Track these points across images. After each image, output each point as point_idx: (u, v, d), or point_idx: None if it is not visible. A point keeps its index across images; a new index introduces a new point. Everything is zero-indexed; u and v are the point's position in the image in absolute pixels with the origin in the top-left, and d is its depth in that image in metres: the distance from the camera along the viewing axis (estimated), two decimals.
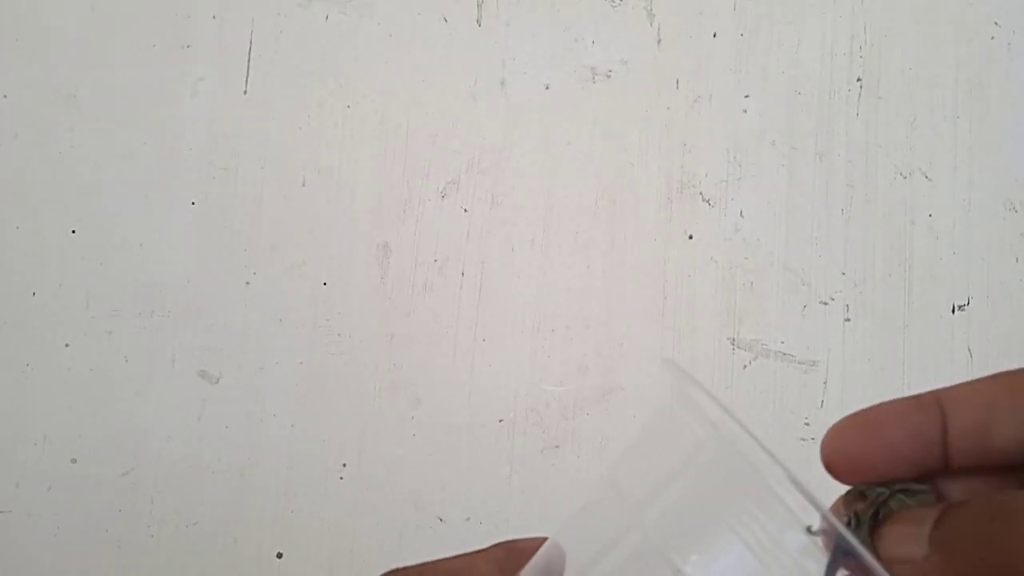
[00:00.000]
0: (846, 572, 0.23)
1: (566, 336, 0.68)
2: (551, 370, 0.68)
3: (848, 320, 0.69)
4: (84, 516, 0.65)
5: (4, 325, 0.66)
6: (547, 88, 0.71)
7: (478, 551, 0.29)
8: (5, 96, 0.68)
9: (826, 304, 0.69)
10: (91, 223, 0.67)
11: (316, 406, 0.67)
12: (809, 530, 0.23)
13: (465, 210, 0.69)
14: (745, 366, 0.68)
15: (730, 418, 0.24)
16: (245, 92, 0.69)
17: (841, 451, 0.24)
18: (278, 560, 0.65)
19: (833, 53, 0.71)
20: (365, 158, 0.69)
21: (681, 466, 0.25)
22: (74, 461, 0.65)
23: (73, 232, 0.67)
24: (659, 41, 0.71)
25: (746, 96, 0.71)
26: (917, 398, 0.23)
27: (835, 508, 0.24)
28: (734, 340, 0.68)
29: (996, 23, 0.72)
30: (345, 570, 0.65)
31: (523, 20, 0.71)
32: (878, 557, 0.23)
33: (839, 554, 0.22)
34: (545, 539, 0.28)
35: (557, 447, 0.67)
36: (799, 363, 0.68)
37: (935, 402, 0.23)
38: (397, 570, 0.28)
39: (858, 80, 0.71)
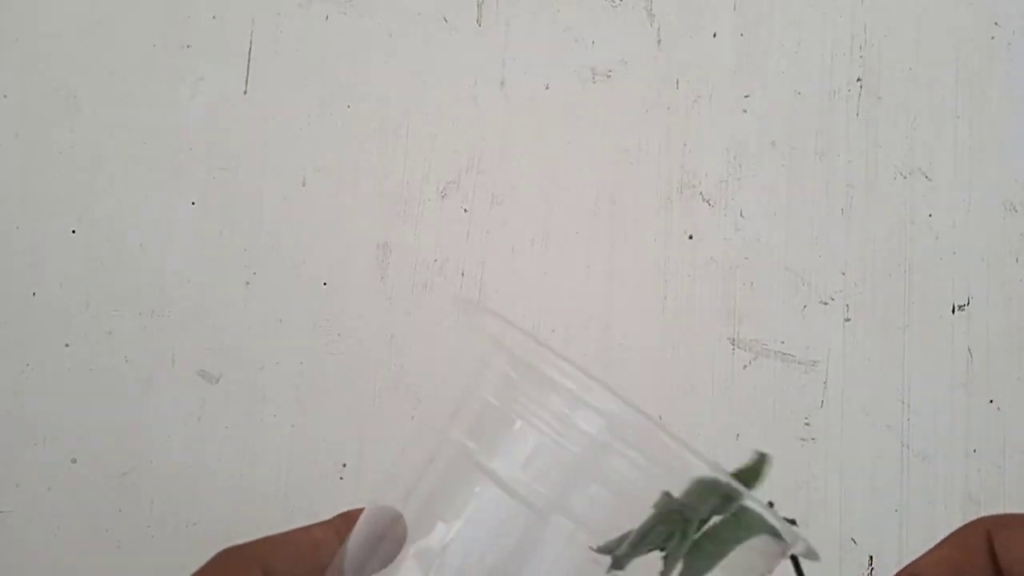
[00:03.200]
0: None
1: (566, 336, 0.68)
2: None
3: (848, 320, 0.69)
4: (84, 516, 0.65)
5: (4, 325, 0.66)
6: (547, 88, 0.71)
7: (316, 523, 0.31)
8: (5, 96, 0.68)
9: (826, 304, 0.69)
10: (91, 223, 0.67)
11: (316, 406, 0.67)
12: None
13: (465, 210, 0.69)
14: (745, 366, 0.68)
15: (517, 330, 0.28)
16: (245, 92, 0.69)
17: None
18: None
19: (833, 53, 0.71)
20: (365, 158, 0.69)
21: (474, 383, 0.29)
22: (74, 461, 0.65)
23: (73, 232, 0.67)
24: (659, 41, 0.71)
25: (746, 96, 0.71)
26: None
27: None
28: (734, 340, 0.68)
29: (996, 23, 0.72)
30: None
31: (523, 20, 0.71)
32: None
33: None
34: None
35: None
36: (799, 363, 0.68)
37: None
38: (231, 549, 0.29)
39: (858, 80, 0.71)
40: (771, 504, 0.25)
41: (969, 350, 0.69)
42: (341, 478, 0.66)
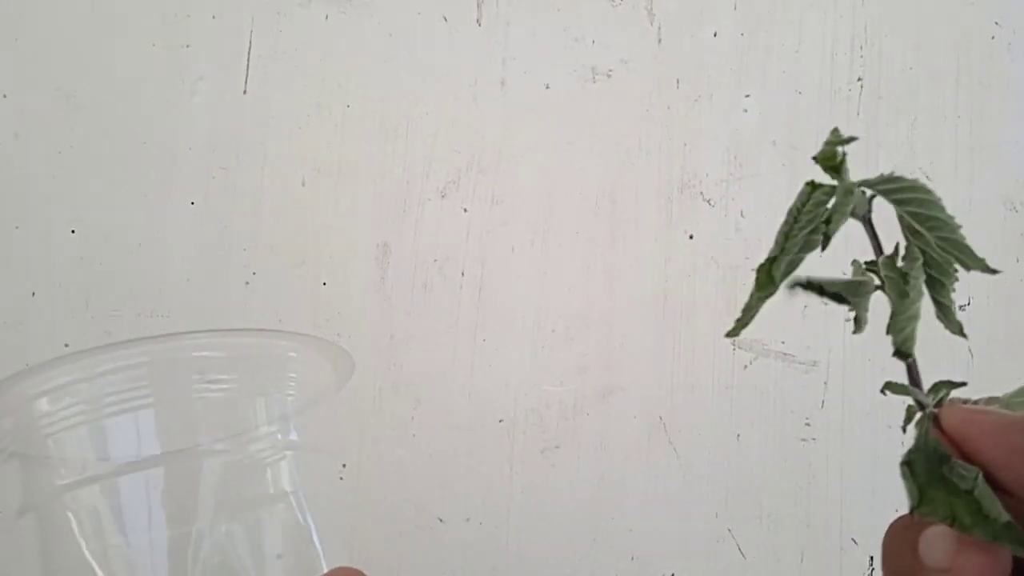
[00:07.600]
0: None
1: (566, 336, 0.68)
2: (551, 370, 0.67)
3: (848, 320, 0.68)
4: None
5: (4, 325, 0.66)
6: (547, 88, 0.71)
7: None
8: (5, 96, 0.68)
9: (826, 304, 0.69)
10: (91, 223, 0.67)
11: None
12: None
13: (465, 210, 0.69)
14: (746, 366, 0.68)
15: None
16: (245, 92, 0.69)
17: None
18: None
19: (834, 53, 0.71)
20: (365, 158, 0.69)
21: None
22: None
23: (73, 232, 0.67)
24: (659, 40, 0.71)
25: (747, 96, 0.71)
26: None
27: None
28: (734, 340, 0.68)
29: (996, 23, 0.72)
30: None
31: (523, 20, 0.71)
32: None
33: None
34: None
35: (557, 447, 0.66)
36: (800, 363, 0.68)
37: None
38: None
39: (859, 80, 0.71)
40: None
41: (970, 350, 0.68)
42: (341, 478, 0.66)
